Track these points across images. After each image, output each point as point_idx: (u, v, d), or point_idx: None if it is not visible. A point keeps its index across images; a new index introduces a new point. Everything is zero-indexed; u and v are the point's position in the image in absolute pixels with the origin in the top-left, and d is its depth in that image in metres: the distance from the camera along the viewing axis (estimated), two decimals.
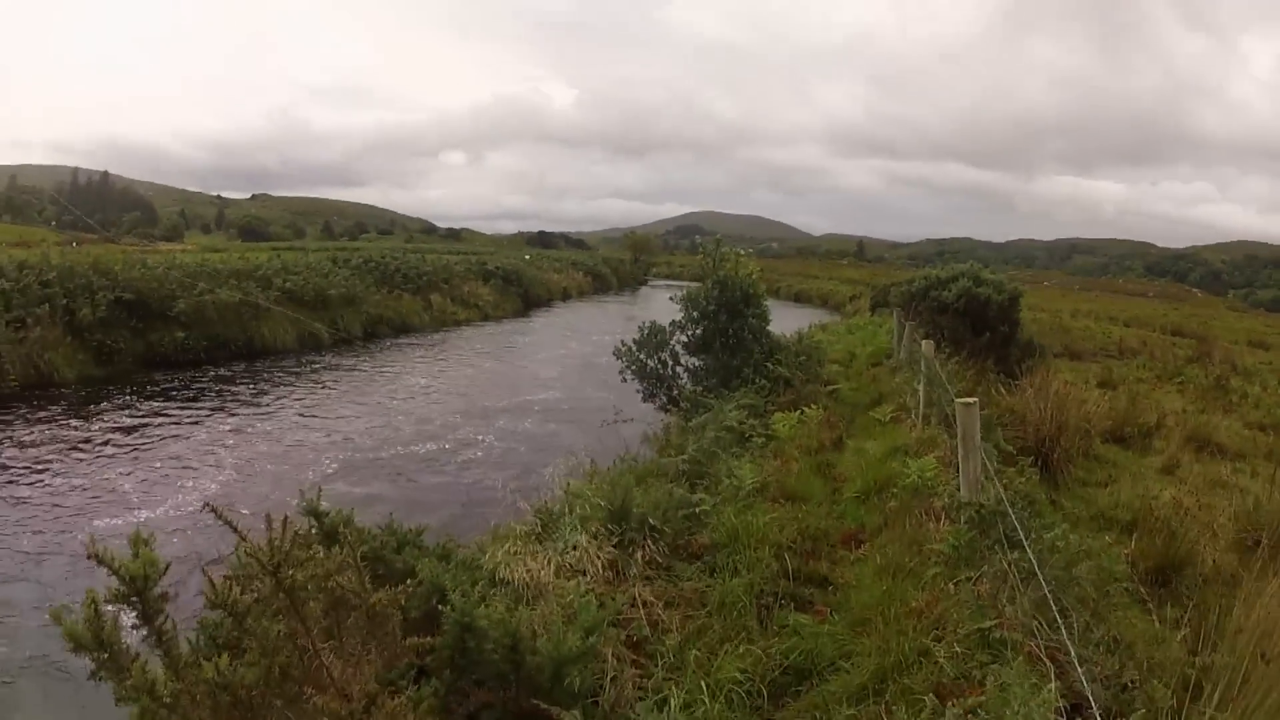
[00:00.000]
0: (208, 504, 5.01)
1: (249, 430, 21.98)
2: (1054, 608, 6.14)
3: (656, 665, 6.86)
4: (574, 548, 8.52)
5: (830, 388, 19.15)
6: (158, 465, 18.85)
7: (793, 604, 8.09)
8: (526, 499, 12.23)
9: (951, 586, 7.37)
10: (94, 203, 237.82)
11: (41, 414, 22.56)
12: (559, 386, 29.41)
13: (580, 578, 8.01)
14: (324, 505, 7.60)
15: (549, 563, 8.15)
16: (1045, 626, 6.36)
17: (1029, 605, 6.65)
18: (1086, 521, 10.75)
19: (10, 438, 20.34)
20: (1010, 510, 7.45)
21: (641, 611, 7.68)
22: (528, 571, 7.96)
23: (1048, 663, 5.98)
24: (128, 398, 24.99)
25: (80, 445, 19.95)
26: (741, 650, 6.91)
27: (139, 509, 16.05)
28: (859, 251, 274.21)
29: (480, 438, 21.48)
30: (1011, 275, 31.11)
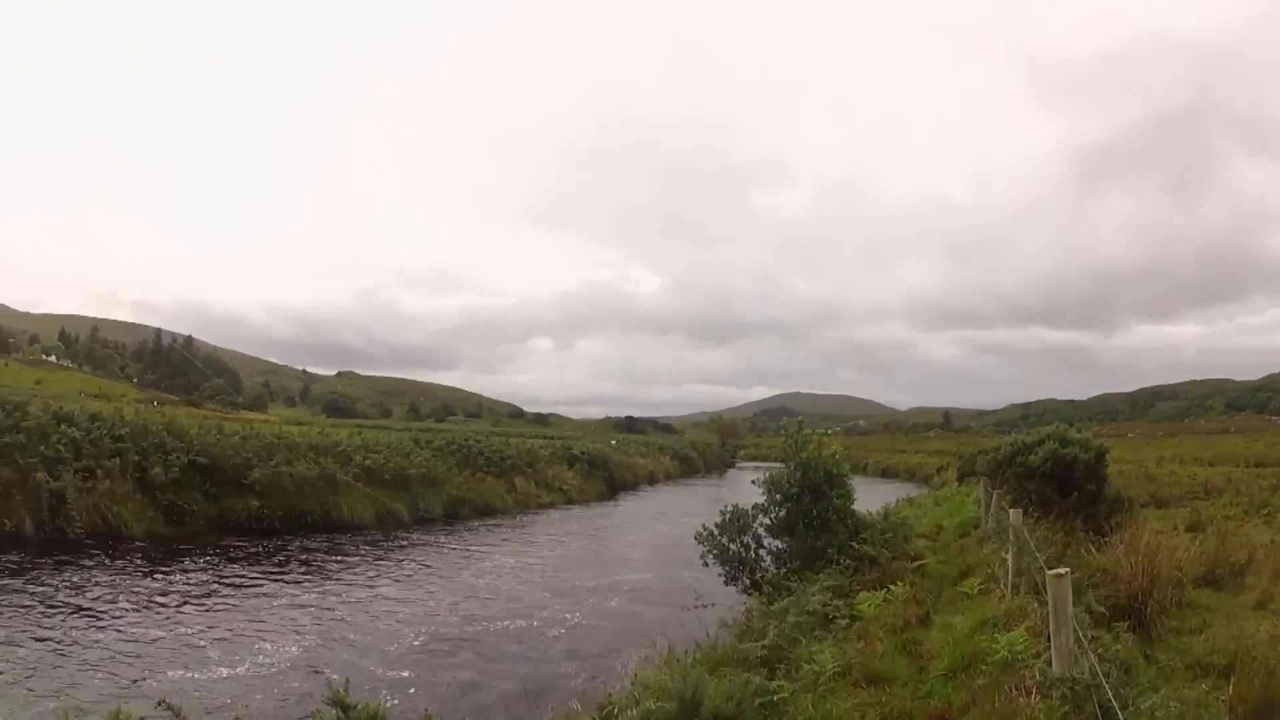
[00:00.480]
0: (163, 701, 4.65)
1: (329, 599, 21.75)
2: None
3: None
4: None
5: (917, 563, 18.24)
6: (235, 625, 18.67)
7: None
8: (594, 686, 11.72)
9: None
10: (177, 365, 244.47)
11: (115, 564, 22.61)
12: (645, 567, 28.87)
13: None
14: (352, 698, 7.08)
15: None
16: None
17: None
18: (1182, 672, 10.12)
19: (85, 583, 20.28)
20: (1105, 683, 6.76)
21: None
22: None
23: None
24: (201, 559, 24.94)
25: (156, 599, 19.84)
26: None
27: (218, 665, 15.88)
28: (945, 422, 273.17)
29: (567, 616, 21.09)
30: (1096, 431, 30.59)
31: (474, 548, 32.63)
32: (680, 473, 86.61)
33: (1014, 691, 8.77)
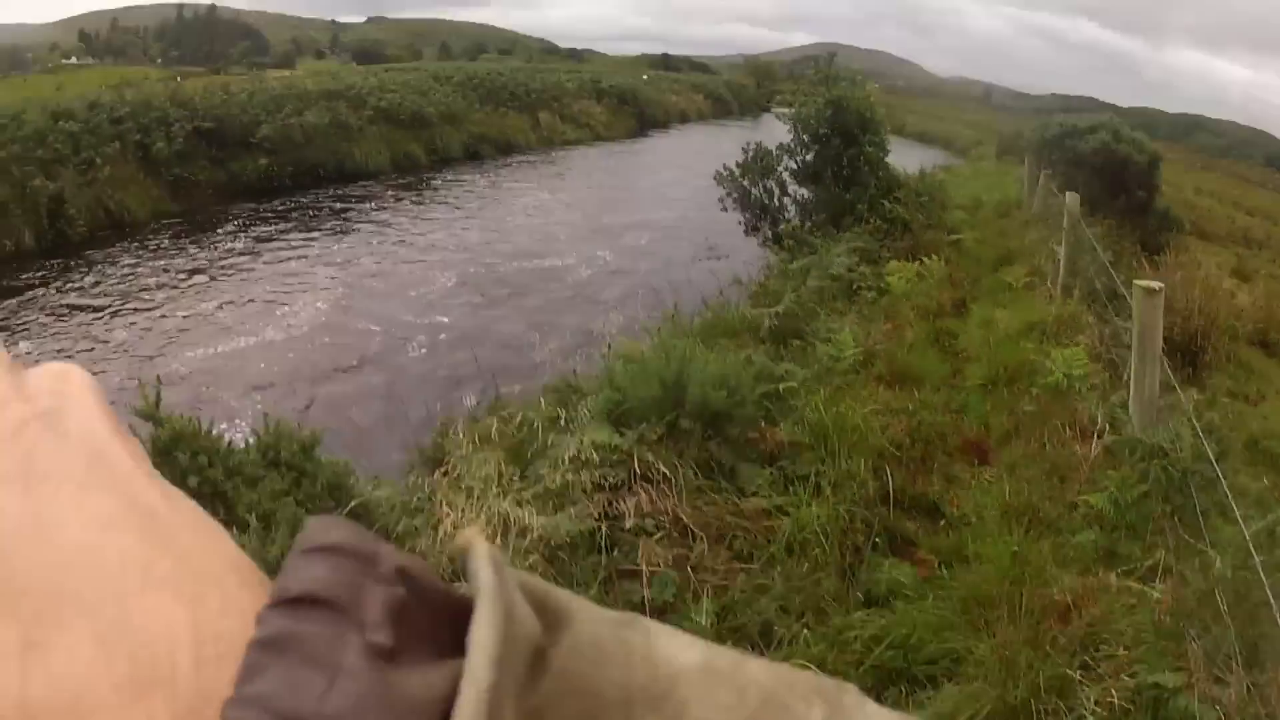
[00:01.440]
0: None
1: (350, 250, 20.92)
2: None
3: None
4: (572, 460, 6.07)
5: (953, 236, 16.50)
6: (253, 292, 17.76)
7: (889, 543, 5.78)
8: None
9: (1112, 577, 4.97)
10: (201, 36, 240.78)
11: (121, 255, 21.26)
12: (675, 208, 27.02)
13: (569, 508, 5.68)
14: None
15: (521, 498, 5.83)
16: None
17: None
18: (1239, 452, 8.16)
19: (94, 282, 19.08)
20: (1219, 470, 4.97)
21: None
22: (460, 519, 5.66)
23: None
24: (211, 230, 23.73)
25: (165, 280, 18.84)
26: (805, 634, 4.73)
27: (239, 335, 15.12)
28: (985, 97, 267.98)
29: (598, 254, 20.37)
30: None
31: (498, 186, 31.35)
32: (713, 113, 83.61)
33: (1066, 430, 7.07)
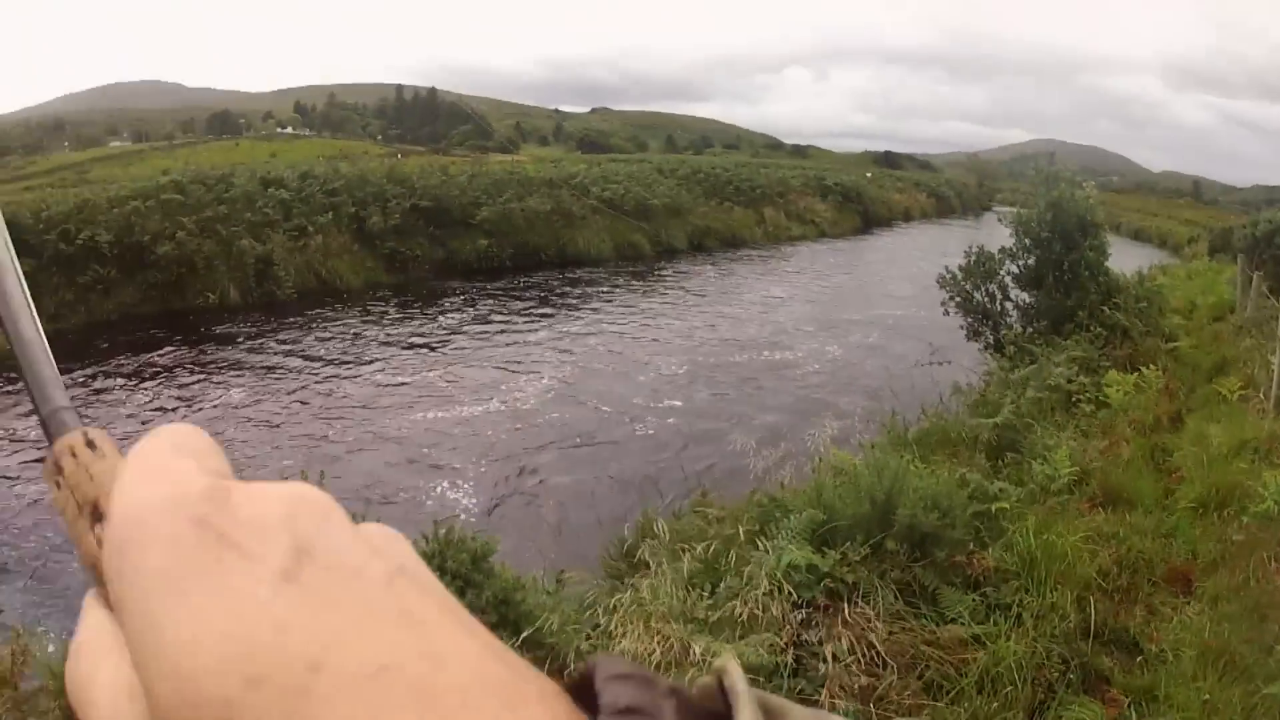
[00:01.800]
0: None
1: (576, 331, 21.41)
2: None
3: None
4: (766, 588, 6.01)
5: (1171, 344, 16.04)
6: (475, 365, 18.37)
7: (1083, 679, 5.63)
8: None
9: None
10: (422, 116, 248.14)
11: (333, 318, 22.38)
12: (906, 305, 27.00)
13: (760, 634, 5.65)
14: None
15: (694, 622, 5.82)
16: None
17: None
18: None
19: (300, 340, 20.11)
20: None
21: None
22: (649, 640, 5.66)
23: None
24: (430, 303, 24.60)
25: (382, 346, 19.63)
26: None
27: (464, 404, 15.62)
28: (1195, 191, 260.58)
29: (828, 350, 20.72)
30: None
31: (726, 278, 31.66)
32: (936, 211, 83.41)
33: (1273, 565, 6.80)
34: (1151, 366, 13.47)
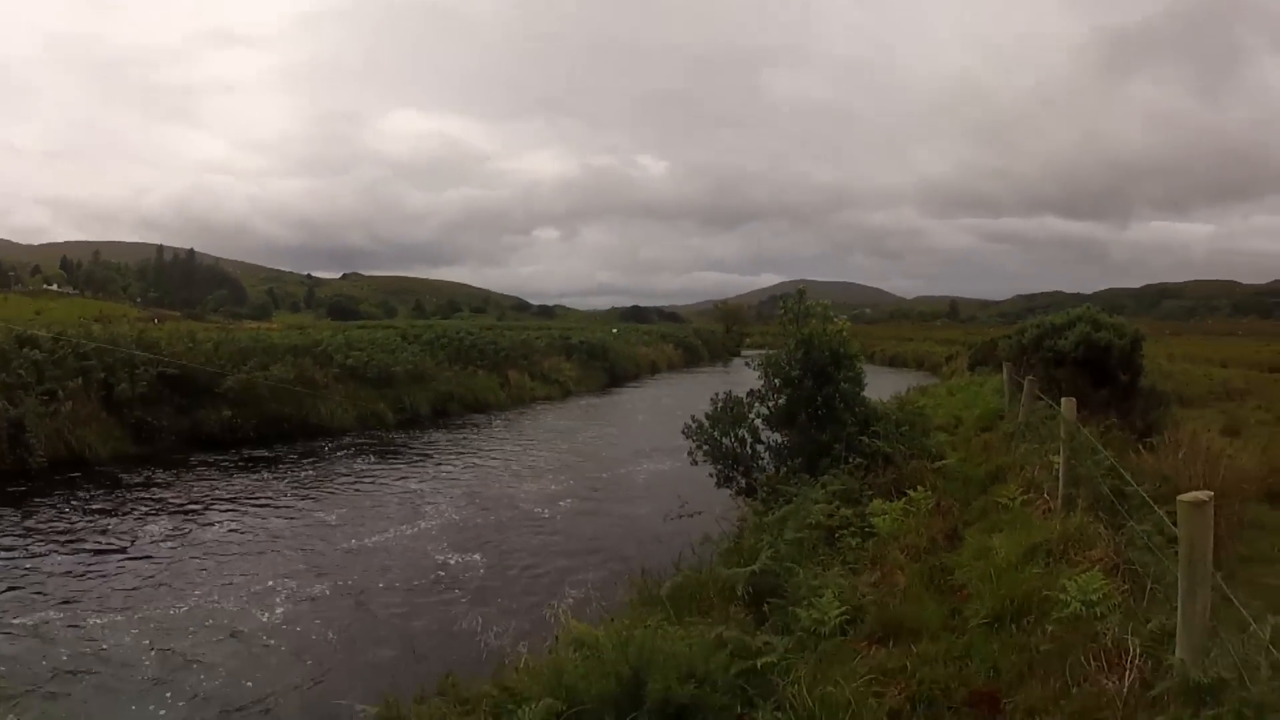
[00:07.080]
0: None
1: (298, 514, 20.46)
2: None
3: None
4: None
5: (938, 462, 15.77)
6: (205, 549, 17.32)
7: None
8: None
9: None
10: (180, 280, 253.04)
11: (76, 493, 21.29)
12: (653, 458, 27.24)
13: None
14: None
15: None
16: None
17: None
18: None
19: (38, 515, 19.10)
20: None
21: None
22: None
23: None
24: (169, 481, 23.50)
25: (116, 529, 18.43)
26: None
27: (192, 596, 14.43)
28: (951, 312, 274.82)
29: (535, 529, 19.65)
30: None
31: (457, 448, 31.36)
32: (684, 362, 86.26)
33: (1090, 662, 6.20)
34: (920, 488, 13.26)
